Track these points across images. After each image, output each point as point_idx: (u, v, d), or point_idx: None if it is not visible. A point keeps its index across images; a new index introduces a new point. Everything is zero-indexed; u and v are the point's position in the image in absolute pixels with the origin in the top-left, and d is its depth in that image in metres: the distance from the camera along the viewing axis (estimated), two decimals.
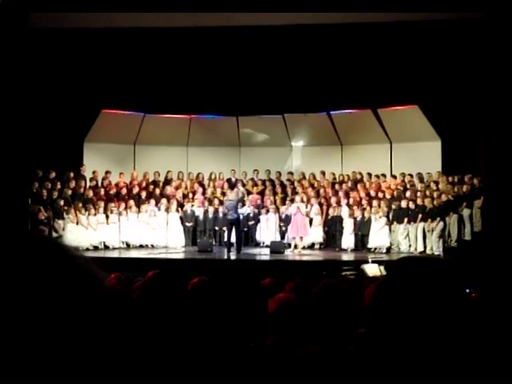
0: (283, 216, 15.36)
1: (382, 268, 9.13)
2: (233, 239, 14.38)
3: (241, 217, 14.60)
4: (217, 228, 15.71)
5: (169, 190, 16.09)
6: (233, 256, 13.90)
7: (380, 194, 15.19)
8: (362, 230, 14.68)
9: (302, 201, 15.15)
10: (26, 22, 10.23)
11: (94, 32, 12.88)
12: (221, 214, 15.50)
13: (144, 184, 16.32)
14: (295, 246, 14.64)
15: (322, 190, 16.07)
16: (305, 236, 14.79)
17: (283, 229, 15.23)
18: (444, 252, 13.61)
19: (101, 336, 0.95)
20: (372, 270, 9.29)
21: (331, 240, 15.28)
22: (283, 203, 15.81)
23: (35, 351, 0.90)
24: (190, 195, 16.32)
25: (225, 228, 15.27)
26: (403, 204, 14.42)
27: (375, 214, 14.57)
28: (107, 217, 14.86)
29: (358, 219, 14.80)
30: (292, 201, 15.30)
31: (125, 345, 1.01)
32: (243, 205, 15.22)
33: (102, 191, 15.46)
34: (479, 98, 11.76)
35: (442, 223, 13.76)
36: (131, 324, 1.13)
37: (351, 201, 15.29)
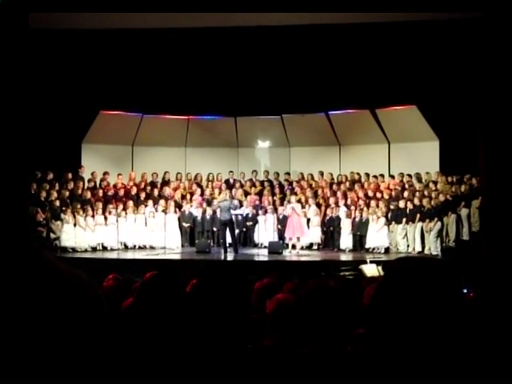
0: (281, 217, 15.36)
1: (380, 268, 9.13)
2: (229, 240, 14.38)
3: (233, 218, 14.58)
4: (215, 229, 15.70)
5: (167, 191, 16.08)
6: (230, 257, 13.89)
7: (378, 195, 15.19)
8: (360, 231, 14.68)
9: (299, 201, 15.15)
10: (26, 23, 10.20)
11: (92, 33, 12.85)
12: (218, 215, 15.51)
13: (142, 185, 16.33)
14: (293, 247, 14.63)
15: (320, 191, 16.07)
16: (301, 236, 14.77)
17: (280, 229, 15.23)
18: (442, 252, 13.61)
19: (76, 343, 0.94)
20: (370, 270, 9.29)
21: (329, 240, 15.27)
22: (281, 204, 15.81)
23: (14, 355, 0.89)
24: (188, 196, 16.31)
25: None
26: (401, 204, 14.42)
27: (373, 214, 14.57)
28: (105, 218, 14.86)
29: (356, 219, 14.80)
30: (289, 202, 15.29)
31: (108, 352, 0.99)
32: (241, 205, 15.21)
33: (100, 192, 15.44)
34: (477, 98, 11.74)
35: (439, 223, 13.77)
36: (113, 334, 1.11)
37: (349, 201, 15.29)
